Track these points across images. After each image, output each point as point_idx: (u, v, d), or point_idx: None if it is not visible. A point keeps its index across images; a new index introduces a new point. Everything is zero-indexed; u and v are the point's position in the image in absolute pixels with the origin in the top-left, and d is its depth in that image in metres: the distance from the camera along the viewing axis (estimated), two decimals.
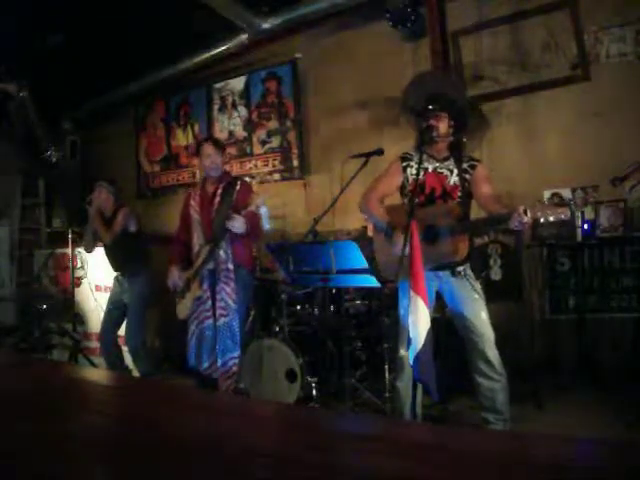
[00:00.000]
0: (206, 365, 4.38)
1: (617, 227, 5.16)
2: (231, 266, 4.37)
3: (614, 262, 5.25)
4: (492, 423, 3.61)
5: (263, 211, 4.11)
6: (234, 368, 4.36)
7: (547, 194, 5.37)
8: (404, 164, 3.83)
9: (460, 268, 3.66)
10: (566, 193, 5.33)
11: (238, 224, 4.17)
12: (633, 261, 5.14)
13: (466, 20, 6.12)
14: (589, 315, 5.21)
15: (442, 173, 3.75)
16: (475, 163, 3.79)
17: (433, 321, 3.32)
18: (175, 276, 4.55)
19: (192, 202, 4.63)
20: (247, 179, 7.57)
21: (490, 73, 6.03)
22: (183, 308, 4.54)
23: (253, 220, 4.24)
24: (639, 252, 5.11)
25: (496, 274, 5.63)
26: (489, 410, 3.62)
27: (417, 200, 3.63)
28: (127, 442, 1.35)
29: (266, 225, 4.22)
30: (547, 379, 4.85)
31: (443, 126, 3.76)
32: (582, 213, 5.10)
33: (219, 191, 4.52)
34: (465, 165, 3.77)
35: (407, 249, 3.03)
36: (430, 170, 3.76)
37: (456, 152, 3.85)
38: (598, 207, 5.24)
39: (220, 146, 4.73)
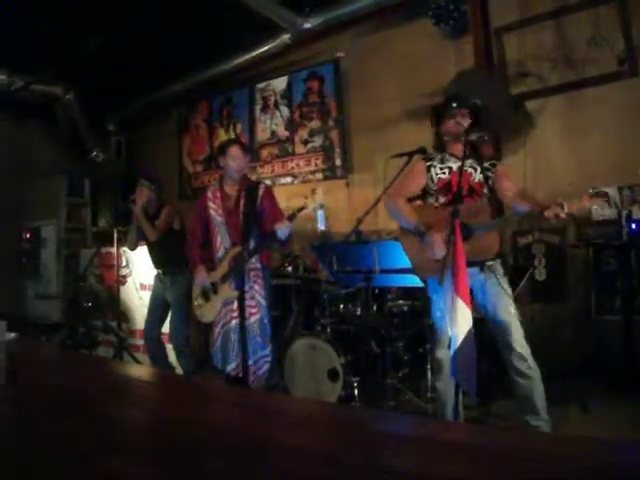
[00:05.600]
0: (233, 366, 4.37)
1: None
2: (259, 265, 4.42)
3: None
4: (533, 426, 3.52)
5: (320, 213, 4.10)
6: (265, 366, 4.38)
7: (592, 192, 5.27)
8: (427, 164, 3.82)
9: (489, 263, 3.62)
10: (612, 192, 5.23)
11: (286, 229, 4.13)
12: None
13: (509, 16, 6.05)
14: (636, 316, 5.11)
15: (467, 171, 3.71)
16: (495, 162, 3.84)
17: (477, 321, 3.34)
18: (204, 276, 4.51)
19: (211, 204, 4.57)
20: (289, 179, 7.63)
21: (534, 70, 5.95)
22: (208, 311, 4.53)
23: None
24: None
25: (541, 274, 5.56)
26: (527, 411, 3.55)
27: (444, 199, 3.72)
28: (168, 438, 1.37)
29: (322, 226, 4.19)
30: (592, 381, 4.77)
31: (466, 124, 3.72)
32: (629, 212, 5.01)
33: (243, 194, 4.49)
34: (486, 164, 3.78)
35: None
36: (455, 169, 3.73)
37: (476, 151, 3.81)
38: None
39: (246, 149, 4.74)
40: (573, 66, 5.71)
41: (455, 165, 3.73)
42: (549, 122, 5.85)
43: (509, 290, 3.65)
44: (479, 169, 3.74)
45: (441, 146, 3.84)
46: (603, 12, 5.50)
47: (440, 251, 3.44)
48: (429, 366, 4.56)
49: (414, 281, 3.61)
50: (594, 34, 5.57)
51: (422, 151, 3.84)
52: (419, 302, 4.94)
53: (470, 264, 3.53)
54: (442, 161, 3.75)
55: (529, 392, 3.52)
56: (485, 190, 3.72)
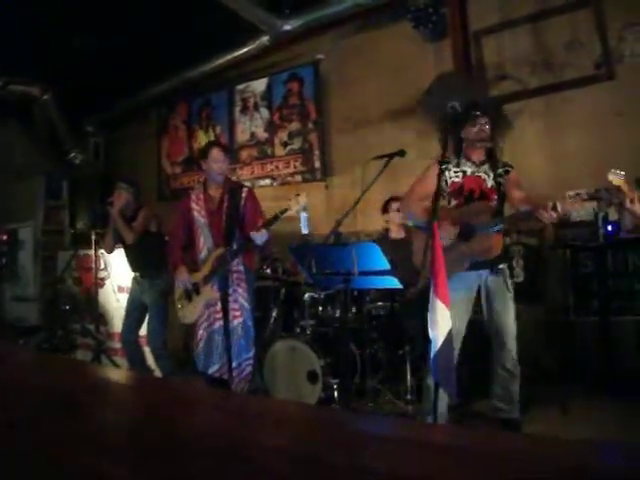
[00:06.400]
0: (216, 368, 4.40)
1: None
2: (242, 268, 4.44)
3: (638, 263, 5.19)
4: (504, 411, 3.83)
5: (303, 216, 4.11)
6: (248, 369, 4.41)
7: (570, 194, 5.31)
8: (442, 167, 3.88)
9: (501, 266, 3.78)
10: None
11: (263, 237, 4.17)
12: None
13: (488, 20, 6.09)
14: (613, 318, 5.15)
15: (480, 177, 3.87)
16: (509, 169, 3.91)
17: (471, 323, 3.67)
18: (186, 277, 4.53)
19: (195, 205, 4.60)
20: (268, 181, 7.63)
21: (513, 73, 6.00)
22: (190, 312, 4.54)
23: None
24: None
25: (519, 275, 5.58)
26: (502, 399, 3.84)
27: (456, 202, 3.85)
28: (147, 442, 1.36)
29: (305, 230, 4.22)
30: (571, 382, 4.80)
31: (488, 130, 3.87)
32: (606, 214, 5.05)
33: (226, 196, 4.53)
34: (500, 170, 3.89)
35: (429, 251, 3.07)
36: (469, 173, 3.88)
37: (492, 157, 3.95)
38: (622, 208, 5.17)
39: (228, 152, 4.83)
40: (551, 69, 5.77)
41: (470, 170, 3.88)
42: (527, 124, 5.90)
43: (512, 294, 3.82)
44: (492, 175, 3.86)
45: (459, 151, 3.95)
46: (580, 17, 5.56)
47: (446, 236, 3.64)
48: (408, 367, 4.58)
49: (393, 283, 3.63)
50: (572, 38, 5.63)
51: (402, 154, 3.92)
52: (398, 304, 4.95)
53: (479, 265, 3.73)
54: (458, 165, 3.89)
55: (509, 384, 3.79)
56: (496, 196, 3.84)
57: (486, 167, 3.90)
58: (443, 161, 3.89)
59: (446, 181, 3.90)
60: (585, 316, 5.35)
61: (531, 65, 5.89)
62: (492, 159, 3.94)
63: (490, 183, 3.86)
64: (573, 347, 5.29)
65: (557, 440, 1.38)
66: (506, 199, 3.87)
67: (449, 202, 3.90)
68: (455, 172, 3.88)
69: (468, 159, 3.92)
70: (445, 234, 3.65)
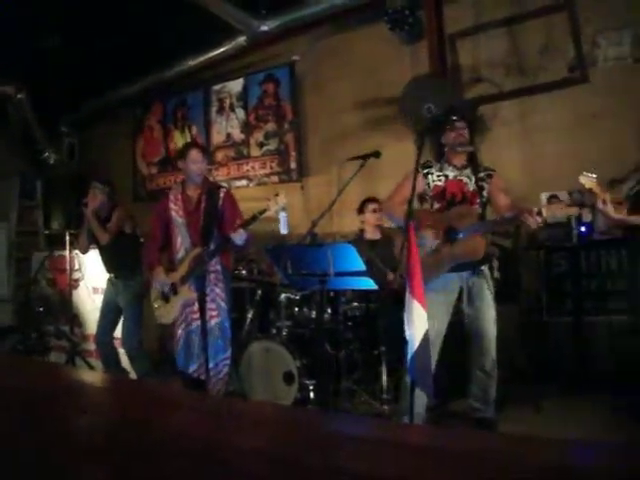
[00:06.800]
0: (195, 367, 4.40)
1: (615, 230, 5.15)
2: (219, 267, 4.45)
3: (612, 264, 5.25)
4: (480, 411, 3.93)
5: (282, 216, 4.12)
6: (225, 369, 4.41)
7: (544, 196, 5.36)
8: (425, 171, 4.01)
9: (482, 267, 3.87)
10: (563, 196, 5.32)
11: (242, 237, 4.17)
12: None
13: (464, 23, 6.13)
14: (586, 318, 5.21)
15: (462, 180, 3.94)
16: (491, 172, 3.99)
17: (452, 324, 3.77)
18: (163, 278, 4.51)
19: (173, 205, 4.60)
20: (244, 181, 7.61)
21: (488, 76, 6.04)
22: (168, 312, 4.53)
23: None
24: None
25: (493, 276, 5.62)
26: (479, 399, 3.93)
27: (439, 205, 3.93)
28: (122, 444, 1.35)
29: (284, 230, 4.22)
30: (544, 381, 4.85)
31: (466, 135, 3.98)
32: (579, 215, 5.10)
33: (204, 196, 4.54)
34: (482, 174, 3.95)
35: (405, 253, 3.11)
36: (451, 177, 3.95)
37: (473, 161, 4.04)
38: (595, 210, 5.22)
39: (206, 152, 4.84)
40: (525, 72, 5.82)
41: (452, 174, 3.96)
42: (502, 127, 5.94)
43: (493, 295, 3.90)
44: (474, 179, 3.92)
45: (441, 156, 4.09)
46: (554, 21, 5.61)
47: (428, 242, 3.79)
48: (384, 368, 4.59)
49: (368, 284, 3.63)
50: (546, 42, 5.68)
51: (377, 155, 3.95)
52: (373, 305, 4.96)
53: (461, 267, 3.79)
54: (440, 169, 3.98)
55: (486, 385, 3.88)
56: (478, 199, 3.90)
57: (468, 171, 3.96)
58: (425, 165, 4.02)
59: (429, 184, 3.98)
60: (559, 316, 5.40)
61: (506, 68, 5.94)
62: (473, 163, 4.01)
63: (472, 187, 3.92)
64: (547, 347, 5.35)
65: (533, 439, 1.39)
66: (490, 204, 3.94)
67: (432, 205, 3.98)
68: (438, 176, 3.96)
69: (450, 163, 3.99)
70: (427, 240, 3.78)
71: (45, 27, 6.58)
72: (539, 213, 3.44)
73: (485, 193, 3.92)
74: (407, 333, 3.07)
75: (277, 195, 4.16)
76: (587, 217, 5.19)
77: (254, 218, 4.13)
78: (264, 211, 4.11)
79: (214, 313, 4.38)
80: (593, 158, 5.14)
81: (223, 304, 4.43)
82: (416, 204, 4.04)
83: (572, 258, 5.34)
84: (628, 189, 4.26)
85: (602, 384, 4.60)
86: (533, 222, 3.46)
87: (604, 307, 5.22)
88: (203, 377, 4.35)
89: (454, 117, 4.01)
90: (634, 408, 4.00)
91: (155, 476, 1.14)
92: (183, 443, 1.32)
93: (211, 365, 4.32)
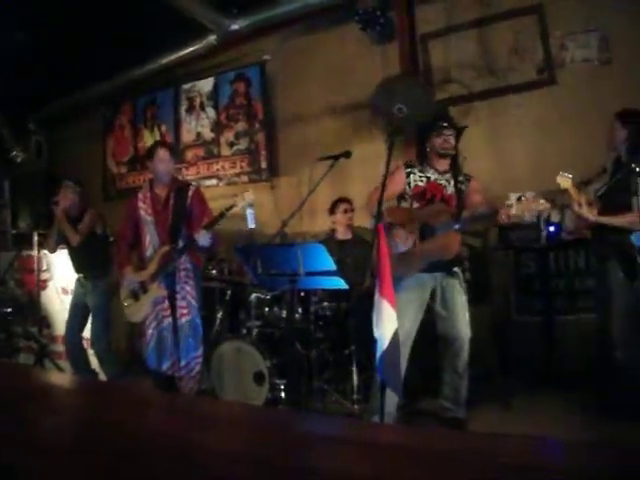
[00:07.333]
0: (167, 365, 4.38)
1: (583, 230, 5.20)
2: (189, 265, 4.45)
3: (580, 264, 5.31)
4: (452, 411, 4.01)
5: (249, 212, 4.12)
6: (197, 367, 4.41)
7: (513, 197, 5.38)
8: (407, 170, 4.08)
9: (455, 268, 3.96)
10: (532, 196, 5.36)
11: (206, 238, 4.20)
12: None
13: (435, 24, 6.16)
14: (555, 317, 5.26)
15: (442, 184, 4.03)
16: (469, 177, 4.12)
17: (423, 323, 3.83)
18: (132, 276, 4.51)
19: (142, 204, 4.60)
20: (214, 181, 7.58)
21: (458, 77, 6.08)
22: (138, 310, 4.51)
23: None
24: None
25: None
26: (451, 400, 4.01)
27: (418, 205, 4.00)
28: (92, 446, 1.34)
29: (252, 224, 4.22)
30: (514, 380, 4.89)
31: (452, 141, 4.04)
32: (548, 216, 5.14)
33: (172, 195, 4.55)
34: (461, 178, 4.06)
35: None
36: (432, 179, 4.04)
37: (455, 166, 4.11)
38: (564, 210, 5.27)
39: (174, 151, 4.89)
40: (495, 74, 5.87)
41: (433, 176, 4.04)
42: (472, 128, 5.95)
43: (466, 296, 4.00)
44: (453, 182, 4.02)
45: (423, 159, 4.14)
46: (523, 23, 5.67)
47: (402, 243, 3.86)
48: (354, 367, 4.60)
49: (338, 283, 3.63)
50: (515, 44, 5.73)
51: (347, 155, 3.96)
52: (344, 304, 4.97)
53: (435, 268, 3.85)
54: (422, 171, 4.05)
55: (458, 386, 3.96)
56: (456, 202, 3.98)
57: (448, 175, 4.05)
58: (408, 164, 4.12)
59: (409, 184, 4.04)
60: (528, 315, 5.46)
61: (476, 69, 5.98)
62: (454, 168, 4.09)
63: (450, 190, 4.01)
64: (516, 346, 5.39)
65: (503, 437, 1.41)
66: (465, 204, 4.00)
67: (411, 204, 4.04)
68: (420, 177, 4.03)
69: (432, 167, 4.07)
70: (401, 239, 3.85)
71: (12, 24, 6.49)
72: (510, 206, 3.55)
73: (462, 196, 4.00)
74: (376, 333, 3.08)
75: (244, 192, 4.17)
76: (556, 217, 5.24)
77: (222, 215, 4.13)
78: (231, 207, 4.12)
79: (185, 311, 4.37)
80: (560, 160, 5.18)
81: (193, 302, 4.43)
82: (395, 203, 4.11)
83: (541, 259, 5.39)
84: (595, 191, 4.30)
85: (571, 382, 4.65)
86: (505, 218, 3.57)
87: (573, 306, 5.28)
88: (177, 374, 4.34)
89: (443, 123, 4.05)
90: (603, 406, 4.04)
91: (127, 476, 1.13)
92: (155, 444, 1.31)
93: (183, 363, 4.33)
